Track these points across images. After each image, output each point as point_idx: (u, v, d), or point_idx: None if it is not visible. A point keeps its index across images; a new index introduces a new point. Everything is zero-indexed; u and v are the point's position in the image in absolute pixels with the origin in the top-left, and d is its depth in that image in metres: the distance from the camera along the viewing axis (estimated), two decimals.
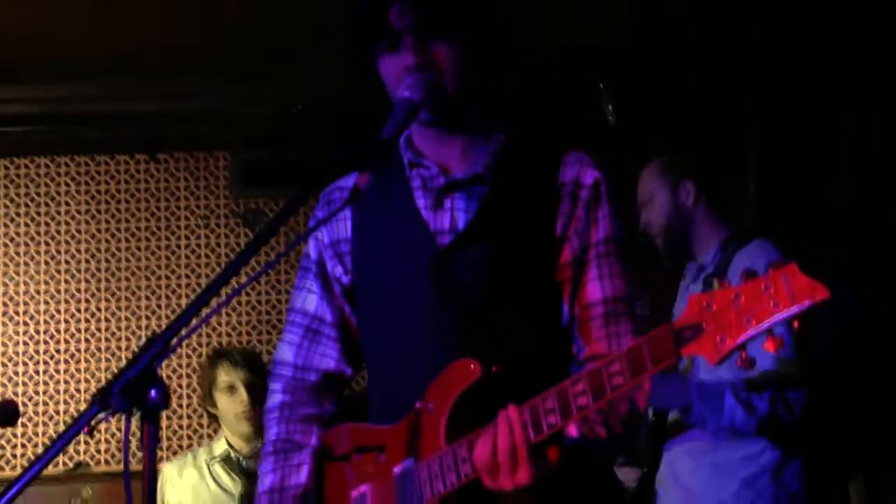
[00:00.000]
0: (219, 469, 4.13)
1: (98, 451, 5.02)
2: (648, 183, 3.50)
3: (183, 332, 1.71)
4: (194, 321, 1.75)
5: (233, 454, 4.14)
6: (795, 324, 1.59)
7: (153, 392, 1.61)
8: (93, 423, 1.61)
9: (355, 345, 2.24)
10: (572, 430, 1.86)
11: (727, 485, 3.15)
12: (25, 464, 4.96)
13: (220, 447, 4.18)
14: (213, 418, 4.28)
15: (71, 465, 4.97)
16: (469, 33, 2.05)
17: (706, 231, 3.41)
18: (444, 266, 2.04)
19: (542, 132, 2.21)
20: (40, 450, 4.97)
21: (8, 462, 5.03)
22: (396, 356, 2.09)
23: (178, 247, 5.26)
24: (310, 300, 2.24)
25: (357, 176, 1.91)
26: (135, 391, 1.60)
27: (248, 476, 4.03)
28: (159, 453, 4.98)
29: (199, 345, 5.16)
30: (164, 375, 5.02)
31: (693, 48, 4.58)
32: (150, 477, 1.60)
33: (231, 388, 4.11)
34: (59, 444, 1.59)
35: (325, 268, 2.23)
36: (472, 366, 1.93)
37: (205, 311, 1.77)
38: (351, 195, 1.89)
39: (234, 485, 4.10)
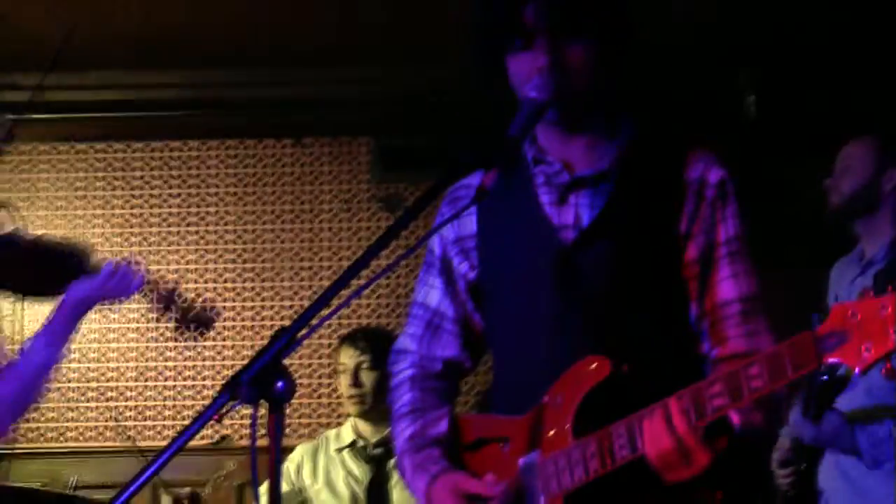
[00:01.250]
0: (347, 457, 4.17)
1: (243, 427, 5.19)
2: (856, 152, 3.39)
3: (312, 323, 1.77)
4: (327, 311, 1.80)
5: (360, 442, 4.16)
6: None
7: (279, 384, 1.66)
8: (223, 410, 1.68)
9: (475, 340, 2.26)
10: (733, 417, 1.88)
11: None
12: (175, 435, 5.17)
13: (347, 435, 4.20)
14: None
15: (217, 438, 5.14)
16: (602, 36, 2.05)
17: (884, 224, 3.32)
18: (568, 262, 2.05)
19: (667, 129, 2.20)
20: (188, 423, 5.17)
21: (160, 433, 5.25)
22: (521, 350, 2.10)
23: (321, 230, 5.39)
24: (432, 295, 2.27)
25: (483, 174, 1.94)
26: (262, 382, 1.66)
27: (375, 463, 4.09)
28: (305, 430, 5.17)
29: (339, 326, 5.27)
30: (306, 356, 5.19)
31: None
32: (275, 464, 1.67)
33: (346, 371, 4.17)
34: (192, 429, 1.66)
35: (449, 263, 2.26)
36: (601, 363, 1.94)
37: (338, 301, 1.82)
38: (477, 194, 1.91)
39: (361, 472, 4.13)
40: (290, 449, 4.34)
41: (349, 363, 4.16)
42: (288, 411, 5.10)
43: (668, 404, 1.83)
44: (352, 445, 4.17)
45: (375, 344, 4.19)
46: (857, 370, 1.66)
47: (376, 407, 4.07)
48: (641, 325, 2.02)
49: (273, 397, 1.66)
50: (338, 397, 5.13)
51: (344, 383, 4.18)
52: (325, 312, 1.78)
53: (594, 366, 1.95)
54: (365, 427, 4.19)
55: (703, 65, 4.76)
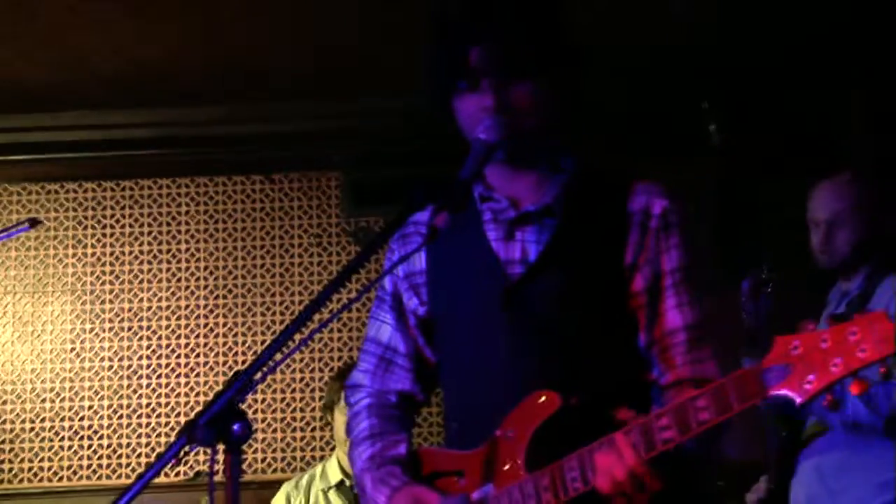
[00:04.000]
0: (334, 497, 4.13)
1: (216, 462, 5.19)
2: (838, 199, 3.35)
3: (275, 360, 1.80)
4: (288, 349, 1.84)
5: (347, 482, 4.12)
6: (882, 369, 1.64)
7: (236, 426, 1.71)
8: (180, 454, 1.72)
9: (427, 374, 2.30)
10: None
11: (872, 484, 3.10)
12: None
13: (334, 474, 4.17)
14: (330, 426, 4.34)
15: (191, 474, 5.15)
16: (548, 75, 2.10)
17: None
18: (516, 297, 2.09)
19: (610, 162, 2.25)
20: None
21: (134, 470, 5.25)
22: (473, 384, 2.14)
23: (292, 264, 5.43)
24: (384, 330, 2.31)
25: (432, 213, 1.98)
26: (219, 425, 1.71)
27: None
28: (279, 464, 5.18)
29: (312, 360, 5.30)
30: (279, 389, 5.20)
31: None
32: (233, 501, 1.71)
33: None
34: (149, 473, 1.71)
35: (400, 299, 2.30)
36: (550, 397, 1.99)
37: (300, 336, 1.85)
38: (429, 234, 1.96)
39: None
40: (266, 483, 4.36)
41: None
42: (263, 445, 5.14)
43: (616, 438, 1.87)
44: (339, 485, 4.13)
45: None
46: (798, 401, 1.71)
47: None
48: (591, 356, 2.07)
49: (229, 439, 1.71)
50: (312, 430, 5.16)
51: (343, 430, 4.12)
52: (288, 349, 1.82)
53: (543, 399, 1.99)
54: (349, 465, 4.16)
55: (669, 92, 4.84)
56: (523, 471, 1.99)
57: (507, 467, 2.02)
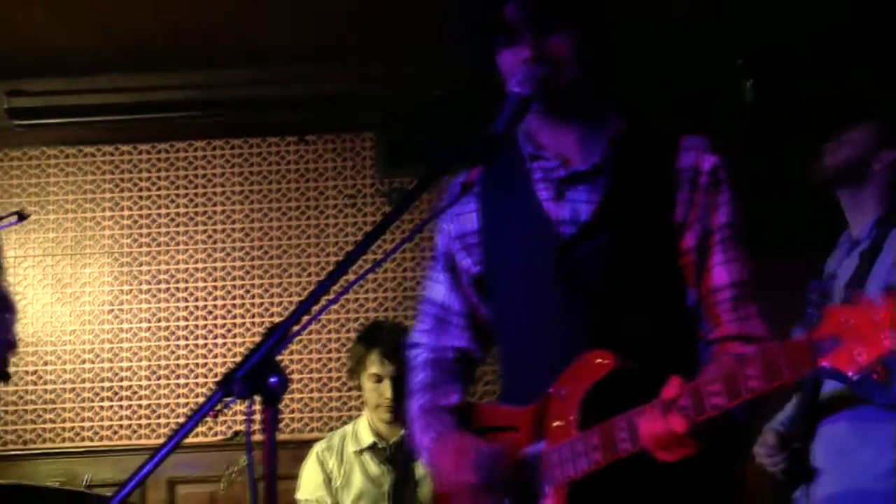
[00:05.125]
0: (368, 459, 4.10)
1: (253, 422, 5.23)
2: (856, 132, 3.38)
3: (306, 318, 1.82)
4: (319, 306, 1.85)
5: (379, 443, 4.10)
6: None
7: (272, 379, 1.72)
8: (218, 406, 1.73)
9: (483, 332, 2.32)
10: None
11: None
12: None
13: (366, 436, 4.13)
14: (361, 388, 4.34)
15: (228, 433, 5.19)
16: (583, 24, 2.09)
17: (869, 203, 3.35)
18: (567, 256, 2.10)
19: (656, 119, 2.24)
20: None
21: (172, 430, 5.30)
22: (525, 343, 2.16)
23: (327, 225, 5.45)
24: (438, 290, 2.34)
25: (475, 169, 1.99)
26: (255, 378, 1.72)
27: (397, 464, 4.04)
28: (316, 424, 5.22)
29: (347, 320, 5.33)
30: (315, 350, 5.24)
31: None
32: (271, 458, 1.72)
33: (377, 378, 4.09)
34: (187, 426, 1.72)
35: (453, 259, 2.31)
36: (606, 357, 2.00)
37: (328, 297, 1.85)
38: (462, 189, 1.97)
39: (382, 474, 4.09)
40: (303, 443, 4.38)
41: (383, 373, 4.08)
42: (299, 405, 5.18)
43: (665, 401, 1.88)
44: (372, 447, 4.12)
45: (404, 355, 4.10)
46: (850, 374, 1.70)
47: (402, 407, 4.05)
48: (642, 315, 2.08)
49: (266, 392, 1.72)
50: (348, 390, 5.18)
51: (373, 394, 4.10)
52: (318, 307, 1.83)
53: (599, 360, 2.01)
54: (384, 428, 4.13)
55: (702, 50, 4.79)
56: (575, 429, 2.01)
57: (558, 424, 2.04)
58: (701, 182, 2.10)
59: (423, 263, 5.34)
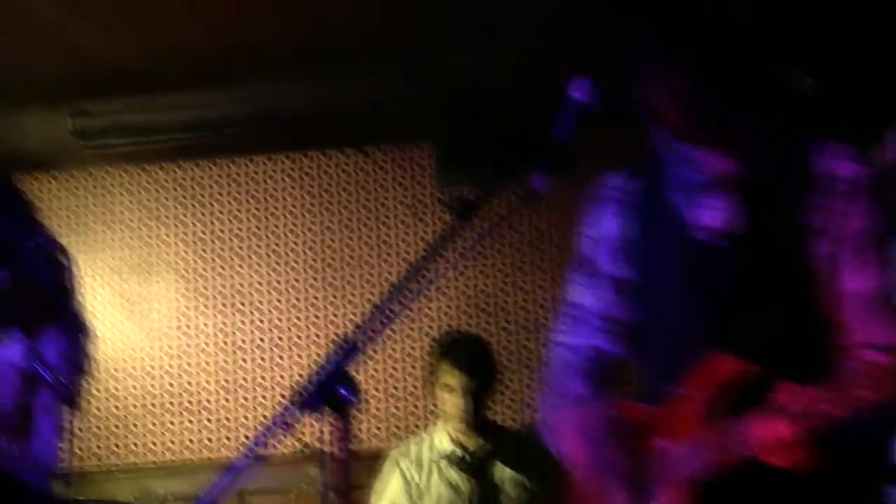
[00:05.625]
0: (447, 467, 4.07)
1: (323, 434, 5.26)
2: None
3: (375, 330, 1.83)
4: (405, 303, 1.85)
5: (459, 451, 4.07)
6: None
7: (343, 391, 1.73)
8: (291, 419, 1.75)
9: (623, 335, 2.35)
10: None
11: None
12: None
13: (444, 444, 4.10)
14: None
15: (300, 447, 5.21)
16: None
17: None
18: (705, 263, 2.12)
19: (791, 124, 2.25)
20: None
21: (241, 444, 5.36)
22: (661, 345, 2.21)
23: (389, 236, 5.46)
24: (581, 294, 2.37)
25: (537, 176, 1.99)
26: (327, 390, 1.73)
27: (478, 474, 4.02)
28: (384, 434, 5.24)
29: (412, 329, 5.34)
30: (381, 360, 5.25)
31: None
32: (345, 468, 1.73)
33: (451, 389, 4.11)
34: (261, 439, 1.74)
35: (594, 262, 2.34)
36: (733, 363, 2.04)
37: (399, 306, 1.86)
38: (527, 196, 1.98)
39: (462, 482, 4.05)
40: (372, 453, 4.39)
41: (455, 384, 4.08)
42: (367, 416, 5.18)
43: (782, 407, 1.92)
44: (451, 455, 4.08)
45: (482, 364, 4.12)
46: None
47: (479, 418, 4.07)
48: (777, 321, 2.10)
49: (338, 404, 1.73)
50: (415, 399, 5.19)
51: (449, 406, 4.10)
52: (387, 319, 1.84)
53: (727, 364, 2.05)
54: (462, 437, 4.10)
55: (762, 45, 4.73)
56: (698, 430, 2.05)
57: (682, 425, 2.09)
58: (838, 188, 2.09)
59: (486, 272, 5.34)
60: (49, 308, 2.68)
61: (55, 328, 2.65)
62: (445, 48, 4.92)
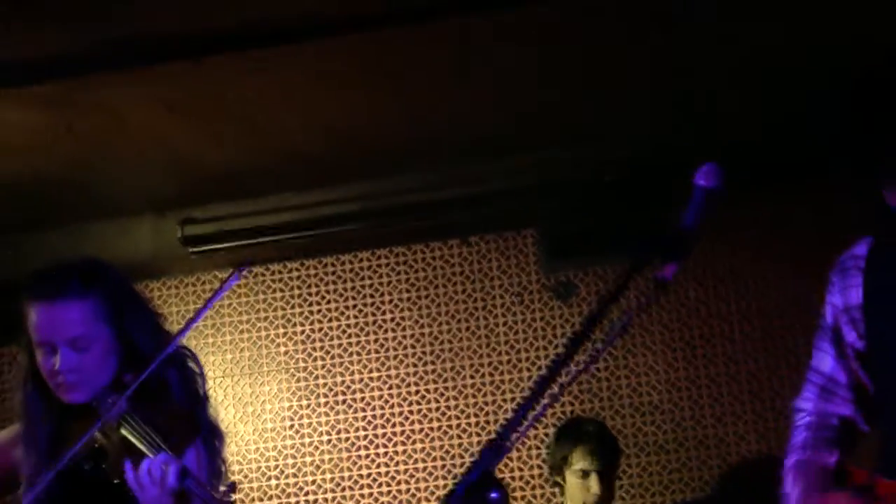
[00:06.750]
0: None
1: None
2: None
3: (517, 431, 1.82)
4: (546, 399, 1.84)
5: None
6: None
7: (493, 494, 1.72)
8: None
9: (868, 405, 2.34)
10: None
11: None
12: None
13: None
14: (558, 485, 4.34)
15: None
16: None
17: None
18: None
19: None
20: None
21: None
22: None
23: (496, 325, 5.46)
24: (825, 361, 2.38)
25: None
26: (477, 494, 1.72)
27: None
28: None
29: (543, 416, 5.28)
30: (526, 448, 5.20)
31: None
32: None
33: (584, 474, 4.14)
34: None
35: (839, 331, 2.35)
36: None
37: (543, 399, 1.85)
38: (656, 286, 1.97)
39: None
40: None
41: (589, 468, 4.14)
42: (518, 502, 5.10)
43: None
44: None
45: (611, 447, 4.19)
46: None
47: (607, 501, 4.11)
48: None
49: None
50: (551, 485, 5.08)
51: (579, 491, 4.15)
52: (527, 416, 1.83)
53: None
54: None
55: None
56: None
57: None
58: None
59: (614, 353, 5.26)
60: (188, 419, 2.70)
61: (197, 439, 2.67)
62: (552, 144, 4.96)
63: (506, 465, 5.19)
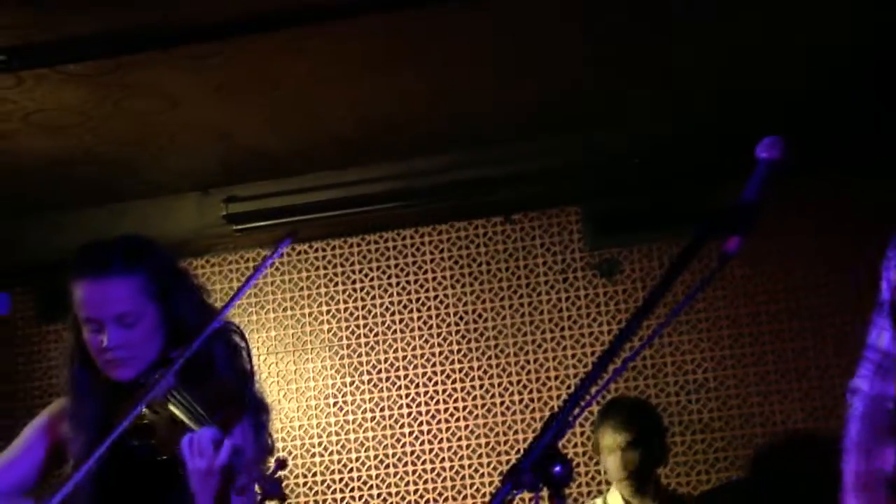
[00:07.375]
0: None
1: None
2: None
3: (578, 407, 1.81)
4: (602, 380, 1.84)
5: None
6: None
7: (557, 468, 1.72)
8: (507, 498, 1.74)
9: None
10: None
11: None
12: None
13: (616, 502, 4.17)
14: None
15: None
16: None
17: None
18: None
19: None
20: None
21: None
22: None
23: (540, 302, 5.44)
24: (883, 337, 2.35)
25: (733, 240, 1.96)
26: (542, 468, 1.72)
27: None
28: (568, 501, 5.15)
29: (605, 391, 5.27)
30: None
31: None
32: None
33: (611, 450, 4.13)
34: None
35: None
36: None
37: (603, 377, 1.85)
38: (719, 260, 1.95)
39: None
40: None
41: (613, 445, 4.13)
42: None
43: None
44: None
45: (638, 422, 4.15)
46: None
47: (647, 479, 4.07)
48: None
49: (553, 481, 1.72)
50: (596, 463, 5.07)
51: (611, 466, 4.15)
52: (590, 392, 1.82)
53: None
54: (632, 499, 4.17)
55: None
56: None
57: None
58: None
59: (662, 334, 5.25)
60: (236, 394, 2.69)
61: (244, 415, 2.67)
62: (597, 121, 4.94)
63: (569, 441, 5.18)
